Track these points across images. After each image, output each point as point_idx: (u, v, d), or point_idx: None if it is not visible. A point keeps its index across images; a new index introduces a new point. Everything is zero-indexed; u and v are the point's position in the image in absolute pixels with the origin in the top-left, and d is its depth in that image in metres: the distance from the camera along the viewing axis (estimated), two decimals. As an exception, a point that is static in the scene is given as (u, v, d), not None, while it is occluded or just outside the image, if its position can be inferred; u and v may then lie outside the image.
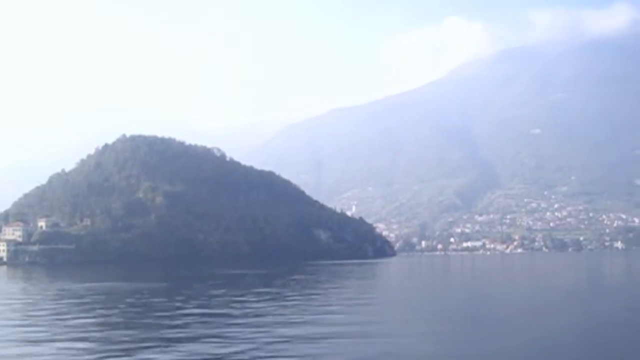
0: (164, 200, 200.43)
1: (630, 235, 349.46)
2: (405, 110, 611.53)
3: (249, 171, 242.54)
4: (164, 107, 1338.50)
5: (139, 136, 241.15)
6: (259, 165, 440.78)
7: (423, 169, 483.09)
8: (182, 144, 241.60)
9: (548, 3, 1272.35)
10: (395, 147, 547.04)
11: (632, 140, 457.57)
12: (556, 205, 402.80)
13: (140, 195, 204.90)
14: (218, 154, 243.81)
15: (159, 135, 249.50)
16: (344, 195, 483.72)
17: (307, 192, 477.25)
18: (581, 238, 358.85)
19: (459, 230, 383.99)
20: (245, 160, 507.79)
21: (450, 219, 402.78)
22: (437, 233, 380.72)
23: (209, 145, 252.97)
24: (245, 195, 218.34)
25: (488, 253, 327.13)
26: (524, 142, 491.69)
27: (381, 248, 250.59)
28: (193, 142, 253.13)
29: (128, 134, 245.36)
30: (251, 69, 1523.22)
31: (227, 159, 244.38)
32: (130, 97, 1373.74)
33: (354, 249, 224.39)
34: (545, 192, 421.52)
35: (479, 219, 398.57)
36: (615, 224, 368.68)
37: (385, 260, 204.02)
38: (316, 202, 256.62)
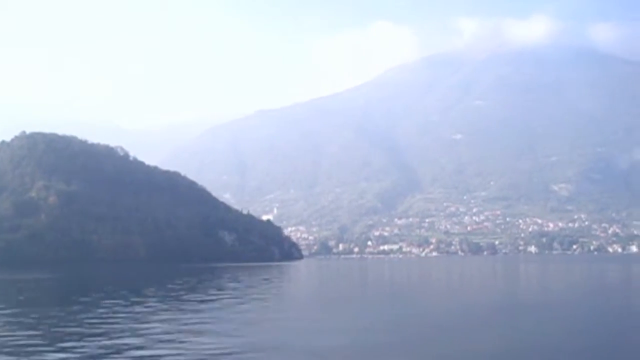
0: (58, 200, 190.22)
1: (544, 239, 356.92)
2: (330, 113, 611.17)
3: (152, 171, 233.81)
4: (89, 105, 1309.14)
5: (38, 133, 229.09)
6: (182, 166, 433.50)
7: (345, 172, 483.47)
8: (84, 142, 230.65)
9: (473, 11, 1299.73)
10: (319, 150, 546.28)
11: (549, 147, 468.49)
12: (474, 210, 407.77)
13: (33, 194, 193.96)
14: (122, 153, 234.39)
15: (62, 132, 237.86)
16: (266, 198, 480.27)
17: (230, 194, 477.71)
18: (496, 242, 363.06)
19: (377, 233, 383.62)
20: (168, 160, 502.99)
21: (370, 222, 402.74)
22: (356, 236, 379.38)
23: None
24: (147, 196, 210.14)
25: (400, 256, 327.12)
26: (445, 147, 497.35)
27: (289, 251, 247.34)
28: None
29: (28, 131, 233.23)
30: (177, 68, 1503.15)
31: (131, 158, 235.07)
32: (55, 94, 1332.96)
33: (260, 251, 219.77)
34: (465, 197, 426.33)
35: (399, 222, 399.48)
36: (530, 229, 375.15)
37: (291, 263, 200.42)
38: (222, 203, 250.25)
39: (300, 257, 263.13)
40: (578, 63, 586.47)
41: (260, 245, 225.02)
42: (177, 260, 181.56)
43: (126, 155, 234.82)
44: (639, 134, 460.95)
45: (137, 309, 39.72)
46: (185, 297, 50.79)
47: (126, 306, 41.24)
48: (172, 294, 55.33)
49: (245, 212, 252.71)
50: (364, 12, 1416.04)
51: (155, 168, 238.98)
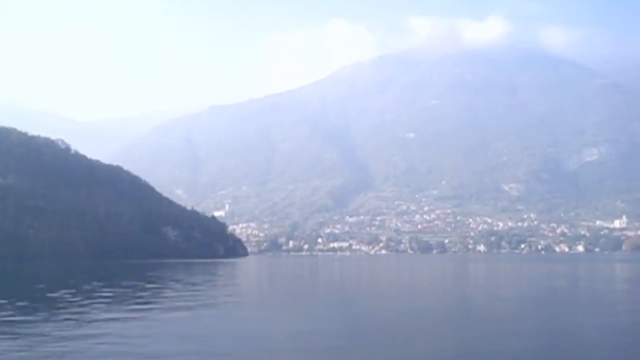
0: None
1: (493, 238, 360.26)
2: (284, 110, 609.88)
3: (93, 165, 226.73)
4: (41, 96, 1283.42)
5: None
6: (134, 160, 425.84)
7: (298, 169, 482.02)
8: (24, 134, 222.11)
9: (428, 11, 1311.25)
10: (272, 147, 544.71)
11: (500, 147, 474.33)
12: (426, 208, 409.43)
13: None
14: (63, 146, 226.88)
15: (8, 124, 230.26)
16: (218, 194, 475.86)
17: (182, 190, 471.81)
18: (446, 241, 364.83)
19: (328, 230, 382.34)
20: (120, 155, 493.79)
21: (321, 220, 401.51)
22: (307, 233, 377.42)
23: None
24: (88, 191, 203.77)
25: (348, 254, 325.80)
26: (398, 145, 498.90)
27: (233, 247, 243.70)
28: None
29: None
30: (131, 62, 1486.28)
31: (72, 151, 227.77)
32: (6, 85, 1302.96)
33: (204, 247, 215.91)
34: (417, 195, 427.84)
35: (350, 220, 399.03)
36: (480, 228, 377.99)
37: (235, 260, 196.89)
38: (166, 198, 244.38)
39: (246, 253, 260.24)
40: (530, 65, 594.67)
41: (204, 242, 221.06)
42: (118, 257, 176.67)
43: (67, 148, 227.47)
44: (588, 136, 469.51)
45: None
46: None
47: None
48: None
49: (196, 208, 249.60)
50: (319, 10, 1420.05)
51: (98, 162, 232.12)
